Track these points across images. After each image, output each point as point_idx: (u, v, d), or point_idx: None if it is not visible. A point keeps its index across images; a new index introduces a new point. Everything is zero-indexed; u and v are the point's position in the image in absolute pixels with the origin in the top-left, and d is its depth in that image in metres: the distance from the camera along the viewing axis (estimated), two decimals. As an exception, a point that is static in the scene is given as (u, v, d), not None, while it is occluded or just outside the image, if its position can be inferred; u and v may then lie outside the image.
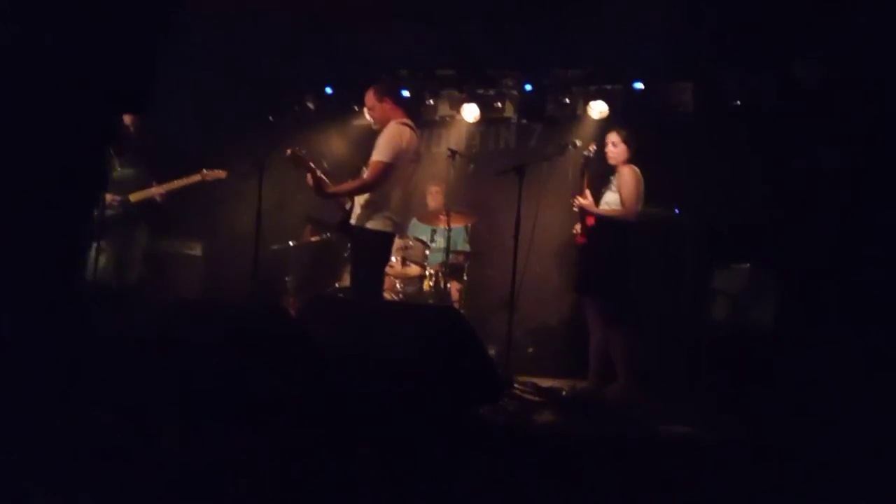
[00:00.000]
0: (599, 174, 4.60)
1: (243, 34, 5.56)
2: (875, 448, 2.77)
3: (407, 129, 4.22)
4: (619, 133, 4.49)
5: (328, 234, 5.73)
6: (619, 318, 4.33)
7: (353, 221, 4.21)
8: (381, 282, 4.56)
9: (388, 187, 4.12)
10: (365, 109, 4.44)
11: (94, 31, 2.00)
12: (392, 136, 4.13)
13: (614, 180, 4.43)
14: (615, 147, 4.45)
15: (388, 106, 4.29)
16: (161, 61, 2.25)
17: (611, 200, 4.41)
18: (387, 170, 4.08)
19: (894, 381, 3.60)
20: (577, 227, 4.53)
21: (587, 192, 4.48)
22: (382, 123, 4.28)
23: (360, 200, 4.19)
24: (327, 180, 4.23)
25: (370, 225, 4.13)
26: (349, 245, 4.35)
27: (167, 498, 2.61)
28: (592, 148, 4.55)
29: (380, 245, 4.20)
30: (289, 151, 4.19)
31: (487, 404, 3.14)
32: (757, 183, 5.22)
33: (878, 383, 3.60)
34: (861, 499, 2.40)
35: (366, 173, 4.16)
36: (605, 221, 4.39)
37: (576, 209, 4.49)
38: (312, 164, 4.18)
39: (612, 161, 4.47)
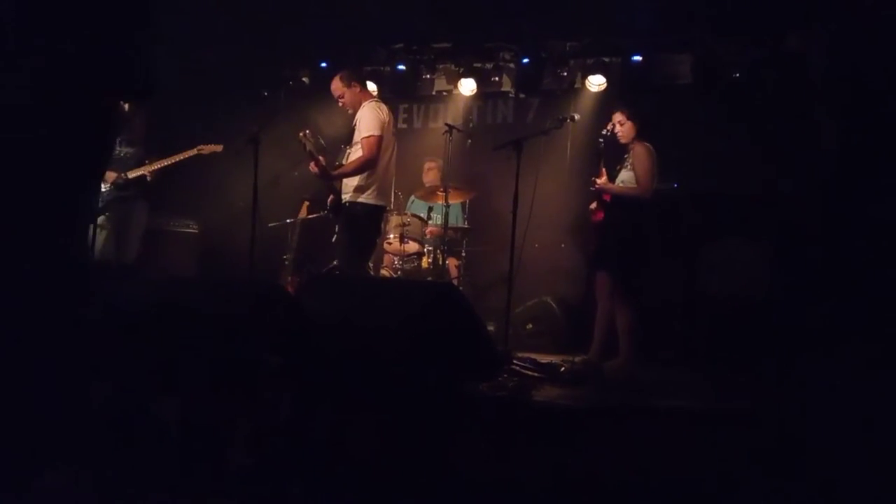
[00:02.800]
0: (614, 154, 4.59)
1: (238, 8, 5.48)
2: (870, 415, 2.78)
3: (382, 105, 4.46)
4: (622, 112, 4.50)
5: (325, 212, 5.71)
6: (631, 293, 4.34)
7: (344, 198, 4.37)
8: (370, 256, 4.73)
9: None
10: (335, 97, 4.55)
11: (91, 18, 2.01)
12: (373, 112, 4.34)
13: (629, 158, 4.43)
14: (622, 126, 4.48)
15: (356, 90, 4.50)
16: (156, 41, 2.24)
17: (626, 178, 4.44)
18: (379, 142, 4.30)
19: (888, 349, 3.62)
20: (594, 205, 4.56)
21: (603, 171, 4.50)
22: (355, 107, 4.47)
23: (347, 176, 4.37)
24: (323, 162, 4.34)
25: (362, 199, 4.32)
26: (338, 224, 4.42)
27: (166, 469, 2.63)
28: (610, 127, 4.54)
29: (372, 219, 4.41)
30: (301, 134, 4.34)
31: (486, 380, 3.15)
32: (755, 155, 5.20)
33: (872, 351, 3.61)
34: (858, 467, 2.41)
35: (361, 151, 4.30)
36: (621, 198, 4.40)
37: (593, 189, 4.51)
38: (314, 151, 4.32)
39: (623, 140, 4.49)
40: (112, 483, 2.51)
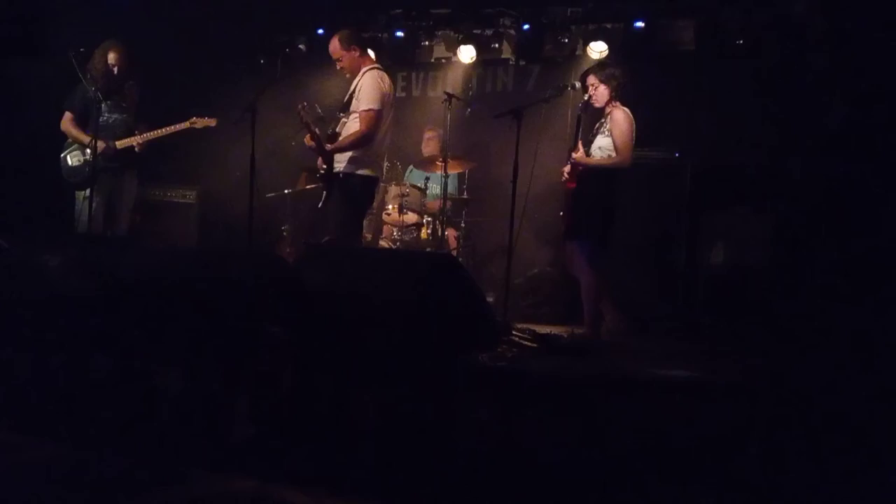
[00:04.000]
0: (592, 118, 4.51)
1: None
2: (870, 385, 2.79)
3: (384, 74, 4.32)
4: (595, 74, 4.35)
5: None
6: (602, 263, 4.29)
7: (339, 169, 4.27)
8: (362, 226, 4.71)
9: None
10: (333, 58, 4.40)
11: None
12: (375, 83, 4.20)
13: (606, 123, 4.33)
14: (595, 89, 4.33)
15: (356, 54, 4.33)
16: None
17: (603, 145, 4.31)
18: (378, 117, 4.19)
19: (888, 320, 3.62)
20: (566, 171, 4.43)
21: (580, 144, 4.38)
22: (354, 72, 4.33)
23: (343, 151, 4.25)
24: (319, 134, 4.26)
25: (359, 171, 4.23)
26: (329, 192, 4.30)
27: (167, 437, 2.65)
28: (587, 97, 4.42)
29: (367, 190, 4.34)
30: (299, 107, 4.25)
31: (486, 351, 3.15)
32: (757, 123, 5.15)
33: (873, 323, 3.62)
34: (856, 437, 2.43)
35: (359, 124, 4.20)
36: (595, 168, 4.30)
37: (571, 163, 4.42)
38: (311, 124, 4.23)
39: (596, 104, 4.36)
40: (115, 453, 2.53)
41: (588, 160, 4.32)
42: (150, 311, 2.99)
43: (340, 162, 4.28)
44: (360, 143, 4.20)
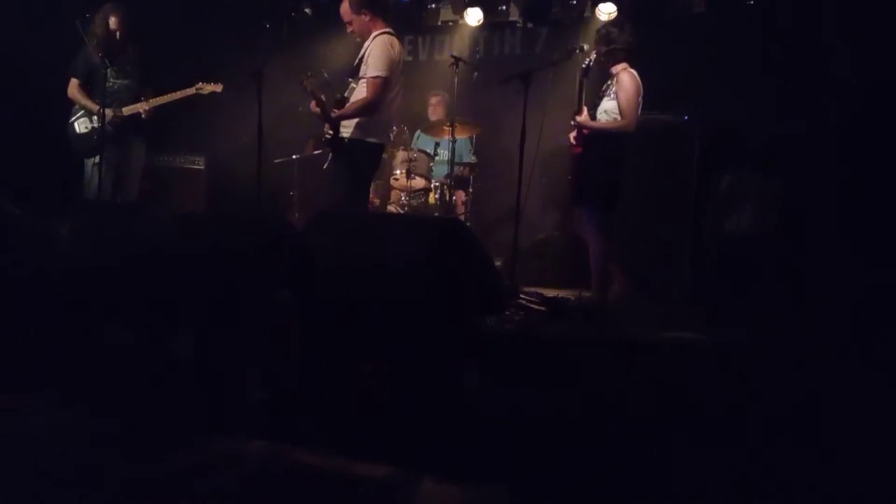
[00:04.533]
0: (598, 79, 4.45)
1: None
2: (876, 353, 2.81)
3: (395, 40, 4.23)
4: (598, 34, 4.32)
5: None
6: (609, 228, 4.28)
7: (346, 135, 4.21)
8: (369, 192, 4.70)
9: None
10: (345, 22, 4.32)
11: None
12: (384, 49, 4.11)
13: (612, 85, 4.29)
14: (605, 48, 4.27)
15: (367, 17, 4.22)
16: None
17: (609, 108, 4.27)
18: (386, 84, 4.11)
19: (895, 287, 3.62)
20: (573, 137, 4.40)
21: (584, 107, 4.34)
22: (364, 36, 4.25)
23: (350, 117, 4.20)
24: (325, 100, 4.22)
25: (367, 138, 4.18)
26: (335, 157, 4.27)
27: (183, 405, 2.70)
28: (592, 55, 4.36)
29: (373, 156, 4.30)
30: (304, 79, 4.22)
31: (494, 314, 3.18)
32: (767, 87, 5.08)
33: (880, 290, 3.62)
34: (863, 404, 2.45)
35: (366, 90, 4.13)
36: (601, 132, 4.27)
37: (573, 124, 4.38)
38: (316, 92, 4.20)
39: (603, 66, 4.31)
40: (131, 420, 2.58)
41: (592, 123, 4.29)
42: (160, 278, 3.02)
43: (347, 128, 4.22)
44: (366, 110, 4.13)
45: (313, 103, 4.23)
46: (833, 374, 2.63)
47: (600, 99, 4.35)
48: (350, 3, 4.23)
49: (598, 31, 4.38)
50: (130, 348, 2.97)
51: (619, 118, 4.22)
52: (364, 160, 4.25)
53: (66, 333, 3.03)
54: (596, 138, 4.29)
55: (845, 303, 3.61)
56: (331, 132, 4.26)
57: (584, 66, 4.35)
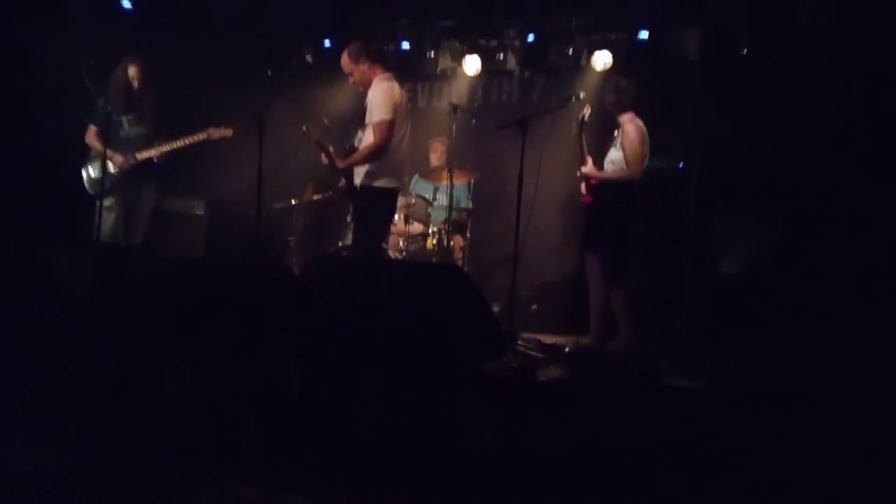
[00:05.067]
0: (602, 132, 4.53)
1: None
2: (874, 391, 2.79)
3: (395, 84, 4.30)
4: (613, 84, 4.44)
5: (330, 193, 5.70)
6: (622, 273, 4.33)
7: (358, 182, 4.25)
8: (386, 238, 4.69)
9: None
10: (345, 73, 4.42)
11: None
12: (386, 94, 4.19)
13: (618, 136, 4.37)
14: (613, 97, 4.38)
15: (365, 66, 4.32)
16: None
17: (615, 158, 4.36)
18: (391, 127, 4.16)
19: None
20: (583, 187, 4.51)
21: (588, 158, 4.42)
22: (365, 85, 4.34)
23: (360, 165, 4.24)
24: (332, 150, 4.29)
25: (377, 183, 4.21)
26: (353, 206, 4.34)
27: (175, 433, 2.66)
28: (587, 111, 4.46)
29: (386, 202, 4.32)
30: (303, 129, 4.31)
31: (491, 361, 3.16)
32: (762, 131, 5.15)
33: (880, 327, 3.61)
34: (860, 441, 2.42)
35: (372, 136, 4.19)
36: (609, 180, 4.36)
37: (579, 176, 4.47)
38: (322, 142, 4.27)
39: (612, 114, 4.41)
40: (126, 453, 2.55)
41: (598, 173, 4.38)
42: (159, 318, 3.02)
43: (358, 174, 4.27)
44: (375, 155, 4.17)
45: (323, 155, 4.27)
46: (835, 414, 2.61)
47: (607, 150, 4.44)
48: (349, 55, 4.33)
49: (608, 80, 4.47)
50: (126, 386, 2.95)
51: (624, 168, 4.29)
52: (375, 205, 4.26)
53: (62, 370, 3.02)
54: (604, 187, 4.38)
55: (847, 338, 3.60)
56: (344, 181, 4.31)
57: (580, 118, 4.45)
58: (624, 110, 4.36)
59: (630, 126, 4.31)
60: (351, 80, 4.39)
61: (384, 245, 5.02)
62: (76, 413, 2.87)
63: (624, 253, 4.36)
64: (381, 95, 4.19)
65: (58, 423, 2.81)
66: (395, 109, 4.19)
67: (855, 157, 4.51)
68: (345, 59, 4.35)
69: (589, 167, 4.39)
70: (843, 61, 4.82)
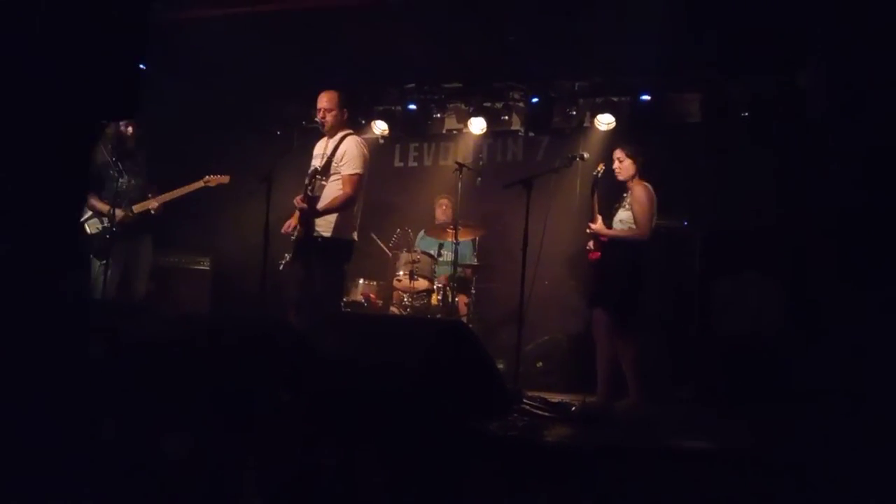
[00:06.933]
0: (612, 191, 4.59)
1: (250, 47, 5.59)
2: (884, 456, 2.72)
3: (365, 142, 4.46)
4: (623, 149, 4.50)
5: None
6: (631, 331, 4.31)
7: (326, 234, 4.30)
8: (344, 286, 4.81)
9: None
10: (320, 108, 4.45)
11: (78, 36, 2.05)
12: (360, 150, 4.35)
13: (627, 197, 4.43)
14: (621, 163, 4.46)
15: (345, 116, 4.48)
16: (163, 73, 2.29)
17: (624, 218, 4.41)
18: (362, 181, 4.33)
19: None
20: (591, 244, 4.54)
21: (598, 217, 4.47)
22: (332, 129, 4.43)
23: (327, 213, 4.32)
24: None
25: (340, 234, 4.31)
26: (315, 259, 4.30)
27: (174, 497, 2.60)
28: (601, 168, 4.56)
29: (348, 252, 4.40)
30: (297, 200, 4.35)
31: (496, 419, 3.11)
32: (764, 191, 5.20)
33: (888, 390, 3.55)
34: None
35: (344, 187, 4.30)
36: (618, 239, 4.40)
37: (588, 232, 4.50)
38: (307, 186, 4.33)
39: (620, 177, 4.49)
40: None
41: (607, 231, 4.42)
42: (159, 377, 2.99)
43: (323, 227, 4.30)
44: (346, 205, 4.29)
45: (299, 198, 4.31)
46: (842, 477, 2.54)
47: (615, 210, 4.48)
48: (339, 98, 4.43)
49: (626, 145, 4.54)
50: (124, 446, 2.90)
51: (633, 227, 4.33)
52: (344, 258, 4.37)
53: (59, 431, 2.97)
54: (613, 245, 4.41)
55: (855, 402, 3.54)
56: (302, 229, 4.31)
57: (595, 175, 4.52)
58: (635, 175, 4.43)
59: (639, 187, 4.39)
60: (323, 118, 4.43)
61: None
62: (72, 471, 2.81)
63: (634, 310, 4.34)
64: (357, 150, 4.33)
65: (53, 481, 2.75)
66: (365, 166, 4.35)
67: (855, 219, 4.54)
68: (331, 98, 4.42)
69: (599, 225, 4.43)
70: (839, 124, 4.90)
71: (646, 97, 6.00)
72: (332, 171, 4.32)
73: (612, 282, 4.37)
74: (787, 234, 4.93)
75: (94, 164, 4.80)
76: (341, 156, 4.33)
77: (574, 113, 6.24)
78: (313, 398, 2.84)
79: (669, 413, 4.30)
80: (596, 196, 4.56)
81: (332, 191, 4.32)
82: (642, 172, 4.45)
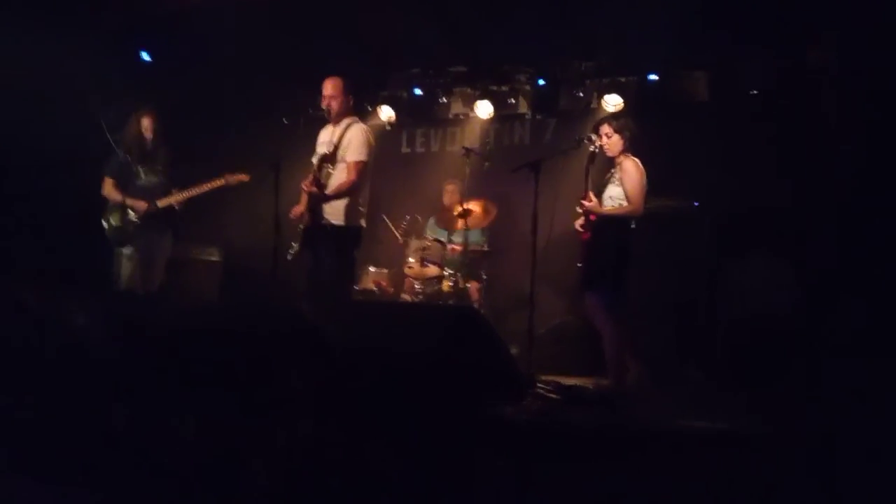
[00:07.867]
0: (601, 167, 4.55)
1: (256, 35, 5.58)
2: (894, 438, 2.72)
3: (370, 130, 4.52)
4: (610, 124, 4.42)
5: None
6: (620, 313, 4.27)
7: (331, 220, 4.35)
8: (354, 273, 4.88)
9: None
10: (325, 95, 4.48)
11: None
12: (365, 137, 4.39)
13: (616, 172, 4.37)
14: (609, 139, 4.38)
15: (350, 103, 4.51)
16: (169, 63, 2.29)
17: (614, 194, 4.35)
18: (366, 168, 4.37)
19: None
20: (580, 223, 4.46)
21: (590, 193, 4.41)
22: (338, 116, 4.46)
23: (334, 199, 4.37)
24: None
25: (349, 222, 4.35)
26: (326, 246, 4.35)
27: (184, 487, 2.63)
28: (598, 143, 4.48)
29: (357, 239, 4.46)
30: (304, 184, 4.40)
31: (510, 404, 3.12)
32: (773, 171, 5.16)
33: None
34: (881, 489, 2.36)
35: (348, 173, 4.35)
36: (608, 218, 4.34)
37: (580, 210, 4.45)
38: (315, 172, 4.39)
39: (609, 153, 4.41)
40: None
41: (600, 209, 4.35)
42: (171, 363, 3.01)
43: (331, 214, 4.36)
44: (351, 191, 4.34)
45: (308, 182, 4.35)
46: (853, 459, 2.54)
47: (604, 186, 4.42)
48: (344, 85, 4.46)
49: (615, 120, 4.48)
50: (135, 431, 2.93)
51: (624, 203, 4.28)
52: (353, 245, 4.43)
53: (73, 417, 3.00)
54: (603, 224, 4.34)
55: (866, 385, 3.53)
56: (308, 215, 4.37)
57: (591, 151, 4.46)
58: (623, 150, 4.36)
59: (629, 162, 4.32)
60: (327, 104, 4.46)
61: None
62: (85, 457, 2.84)
63: (624, 291, 4.29)
64: (362, 136, 4.37)
65: (62, 476, 2.78)
66: (370, 152, 4.38)
67: (863, 197, 4.51)
68: (336, 84, 4.45)
69: (593, 202, 4.37)
70: (846, 103, 4.85)
71: (653, 77, 5.94)
72: (338, 158, 4.36)
73: (602, 263, 4.30)
74: (798, 214, 4.90)
75: (118, 157, 4.88)
76: (346, 143, 4.37)
77: (581, 94, 6.19)
78: (325, 385, 2.85)
79: (682, 394, 4.29)
80: (590, 173, 4.49)
81: (338, 178, 4.37)
82: (630, 147, 4.38)
